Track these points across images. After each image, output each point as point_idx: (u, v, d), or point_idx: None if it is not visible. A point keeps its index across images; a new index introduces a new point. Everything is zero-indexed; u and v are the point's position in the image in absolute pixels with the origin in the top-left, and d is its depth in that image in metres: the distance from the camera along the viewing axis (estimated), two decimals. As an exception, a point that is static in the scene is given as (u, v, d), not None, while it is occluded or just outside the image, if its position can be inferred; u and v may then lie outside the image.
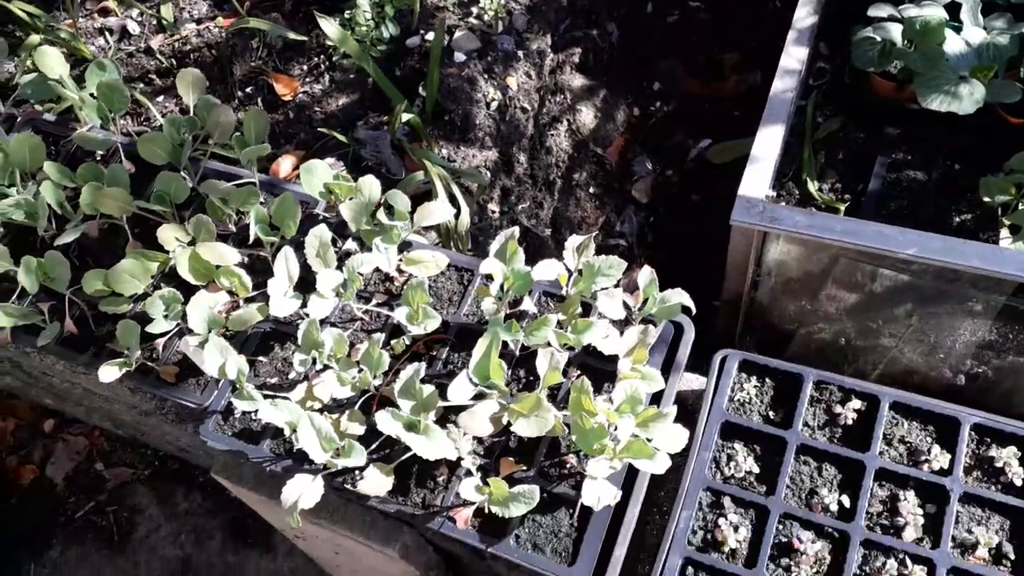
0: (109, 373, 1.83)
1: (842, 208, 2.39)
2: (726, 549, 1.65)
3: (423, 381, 1.64)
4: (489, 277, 1.80)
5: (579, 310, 1.78)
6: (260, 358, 1.96)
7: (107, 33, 2.62)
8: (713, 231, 3.15)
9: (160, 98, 2.56)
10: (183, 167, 2.05)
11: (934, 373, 2.40)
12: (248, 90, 2.54)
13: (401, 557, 1.90)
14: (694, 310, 1.73)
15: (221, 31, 2.59)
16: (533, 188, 2.83)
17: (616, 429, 1.60)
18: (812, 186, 2.44)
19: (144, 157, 2.03)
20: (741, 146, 3.20)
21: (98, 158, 2.24)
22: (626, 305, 1.77)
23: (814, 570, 1.61)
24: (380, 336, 1.73)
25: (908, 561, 1.58)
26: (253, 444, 1.86)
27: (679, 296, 1.71)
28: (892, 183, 2.40)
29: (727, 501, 1.70)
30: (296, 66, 2.54)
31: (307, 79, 2.52)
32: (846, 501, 1.65)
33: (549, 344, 1.72)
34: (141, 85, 2.56)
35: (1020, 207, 2.18)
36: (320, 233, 1.81)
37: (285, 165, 2.39)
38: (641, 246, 3.21)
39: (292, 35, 2.44)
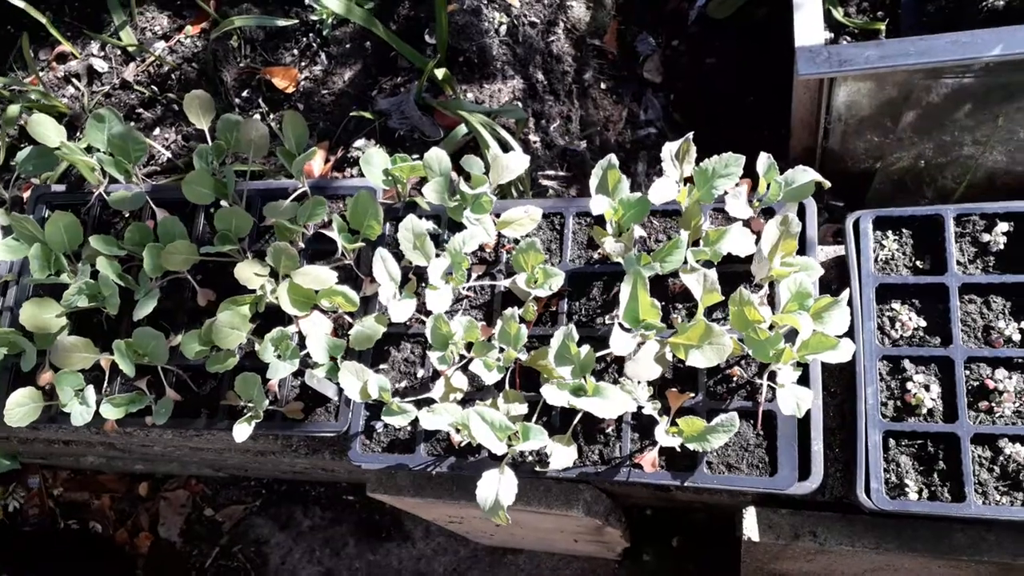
0: (242, 432, 1.73)
1: (882, 27, 2.28)
2: (922, 411, 1.61)
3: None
4: (598, 217, 1.69)
5: (701, 220, 1.68)
6: (381, 367, 1.86)
7: (74, 79, 2.40)
8: (741, 92, 3.03)
9: (156, 131, 2.36)
10: (231, 199, 1.90)
11: (1021, 168, 2.34)
12: (245, 94, 2.34)
13: (585, 514, 1.87)
14: (827, 184, 1.64)
15: (194, 40, 2.38)
16: (557, 103, 2.68)
17: (782, 328, 1.54)
18: (838, 13, 2.31)
19: (191, 199, 1.88)
20: (740, -6, 3.04)
21: (127, 216, 2.08)
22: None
23: (1016, 404, 1.58)
24: (513, 310, 1.64)
25: (1109, 366, 1.55)
26: (408, 453, 1.79)
27: (807, 175, 1.61)
28: (922, -15, 2.27)
29: (907, 363, 1.65)
30: (286, 54, 2.34)
31: (303, 64, 2.33)
32: (1027, 327, 1.61)
33: (686, 263, 1.63)
34: (131, 123, 2.36)
35: (1080, -29, 2.06)
36: (412, 225, 1.68)
37: (316, 162, 2.23)
38: (671, 129, 3.08)
39: (281, 22, 2.22)
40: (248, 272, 1.76)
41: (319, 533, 3.06)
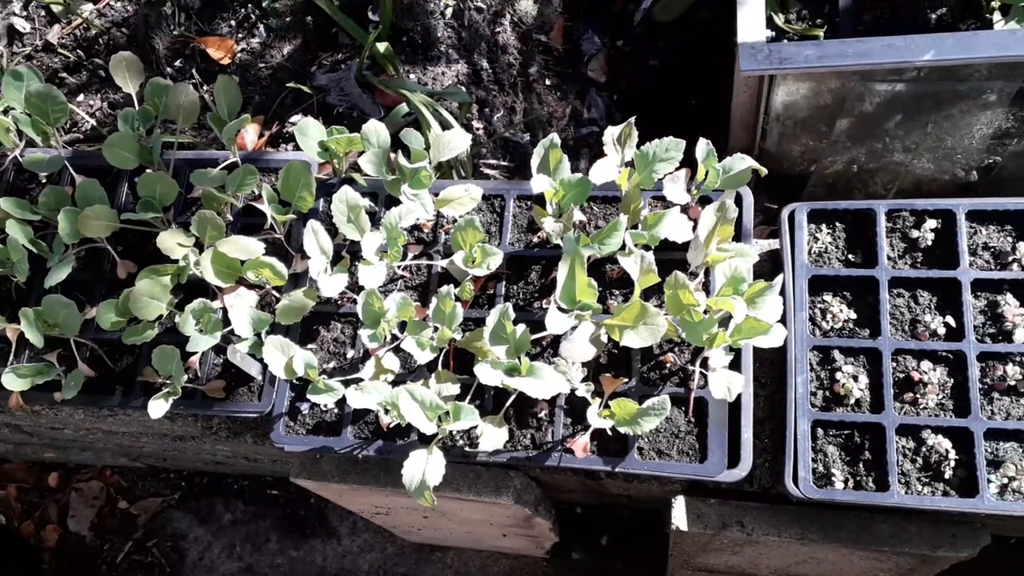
0: (158, 408, 1.65)
1: (820, 34, 2.33)
2: (850, 401, 1.63)
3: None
4: (538, 198, 1.67)
5: (641, 204, 1.67)
6: (309, 346, 1.80)
7: (-8, 39, 2.27)
8: (683, 94, 3.06)
9: (80, 97, 2.25)
10: (156, 165, 1.81)
11: (947, 177, 2.41)
12: (178, 64, 2.25)
13: (515, 502, 1.84)
14: (764, 171, 1.65)
15: (125, 4, 2.27)
16: (501, 93, 2.66)
17: (716, 313, 1.54)
18: (779, 19, 2.36)
19: (112, 162, 1.78)
20: (685, -2, 3.08)
21: (44, 180, 1.97)
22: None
23: (940, 396, 1.61)
24: (449, 288, 1.60)
25: (1027, 361, 1.59)
26: (334, 435, 1.73)
27: (744, 162, 1.62)
28: (859, -6, 2.33)
29: (836, 354, 1.67)
30: (223, 24, 2.26)
31: (240, 35, 2.25)
32: (951, 321, 1.64)
33: (624, 247, 1.62)
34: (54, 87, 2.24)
35: (1008, -13, 2.14)
36: (346, 196, 1.63)
37: (250, 135, 2.16)
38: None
39: (217, -12, 2.15)
40: (171, 241, 1.68)
41: (240, 528, 2.95)
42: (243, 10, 2.26)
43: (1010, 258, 1.67)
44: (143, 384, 1.78)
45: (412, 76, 2.20)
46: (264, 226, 1.80)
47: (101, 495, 3.05)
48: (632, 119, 1.65)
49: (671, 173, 1.61)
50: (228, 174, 1.77)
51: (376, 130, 1.71)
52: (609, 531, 2.77)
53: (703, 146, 1.63)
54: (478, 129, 2.38)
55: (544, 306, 1.76)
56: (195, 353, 1.69)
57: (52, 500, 3.04)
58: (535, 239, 1.83)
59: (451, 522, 2.28)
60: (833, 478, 1.60)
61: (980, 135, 2.23)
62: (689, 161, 1.66)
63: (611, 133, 1.67)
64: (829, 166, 2.43)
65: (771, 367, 1.79)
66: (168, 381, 1.68)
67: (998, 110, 2.15)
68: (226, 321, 1.68)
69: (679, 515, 1.76)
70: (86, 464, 3.00)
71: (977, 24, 2.21)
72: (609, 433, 1.61)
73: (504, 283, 1.79)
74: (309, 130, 1.74)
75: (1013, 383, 1.58)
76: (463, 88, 2.27)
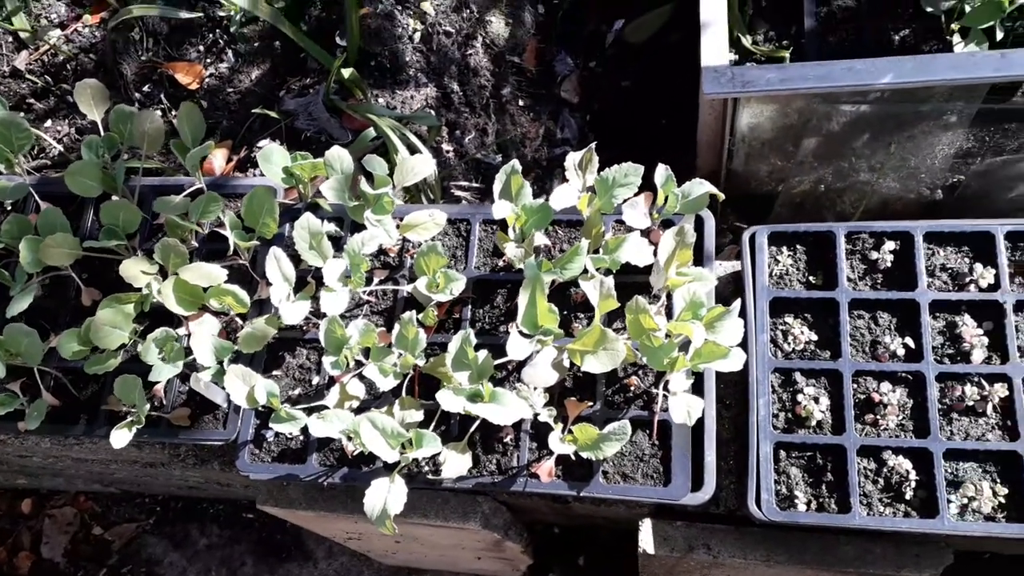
0: (121, 438, 1.64)
1: (786, 55, 2.35)
2: (812, 423, 1.64)
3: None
4: (501, 223, 1.68)
5: (602, 228, 1.68)
6: (274, 373, 1.80)
7: (-42, 65, 2.27)
8: (654, 114, 3.08)
9: (48, 123, 2.25)
10: (121, 192, 1.81)
11: (912, 195, 2.44)
12: (146, 89, 2.25)
13: (483, 527, 1.83)
14: (722, 196, 1.66)
15: (92, 30, 2.28)
16: (473, 115, 2.67)
17: (677, 338, 1.55)
18: (746, 41, 2.39)
19: (76, 191, 1.78)
20: (656, 19, 3.11)
21: (8, 208, 1.97)
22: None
23: (900, 417, 1.62)
24: (411, 314, 1.60)
25: (984, 382, 1.61)
26: (299, 463, 1.73)
27: (702, 187, 1.64)
28: (826, 17, 2.37)
29: (798, 376, 1.68)
30: (191, 49, 2.27)
31: (208, 60, 2.26)
32: (910, 342, 1.66)
33: (586, 272, 1.63)
34: (21, 114, 2.24)
35: (967, 9, 2.17)
36: (307, 223, 1.63)
37: (218, 160, 2.16)
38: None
39: (185, 14, 2.15)
40: (135, 269, 1.68)
41: (216, 552, 2.93)
42: (211, 35, 2.27)
43: (967, 279, 1.69)
44: (107, 413, 1.77)
45: (381, 100, 2.21)
46: (229, 252, 1.80)
47: (75, 521, 3.02)
48: (592, 144, 1.66)
49: (631, 198, 1.62)
50: (192, 201, 1.77)
51: (339, 157, 1.71)
52: (587, 551, 2.76)
53: (662, 171, 1.64)
54: (448, 151, 2.39)
55: (509, 329, 1.76)
56: (159, 381, 1.69)
57: (25, 527, 3.01)
58: (501, 263, 1.84)
59: (423, 546, 2.27)
60: (796, 500, 1.61)
61: (943, 155, 2.26)
62: (652, 184, 1.67)
63: (572, 159, 1.68)
64: (796, 186, 2.45)
65: (735, 388, 1.80)
66: (132, 410, 1.67)
67: (959, 131, 2.18)
68: (190, 349, 1.68)
69: (646, 538, 1.76)
70: (59, 490, 2.98)
71: (939, 45, 2.24)
72: (573, 458, 1.61)
73: (470, 307, 1.79)
74: (273, 156, 1.75)
75: (971, 403, 1.60)
76: (432, 111, 2.28)
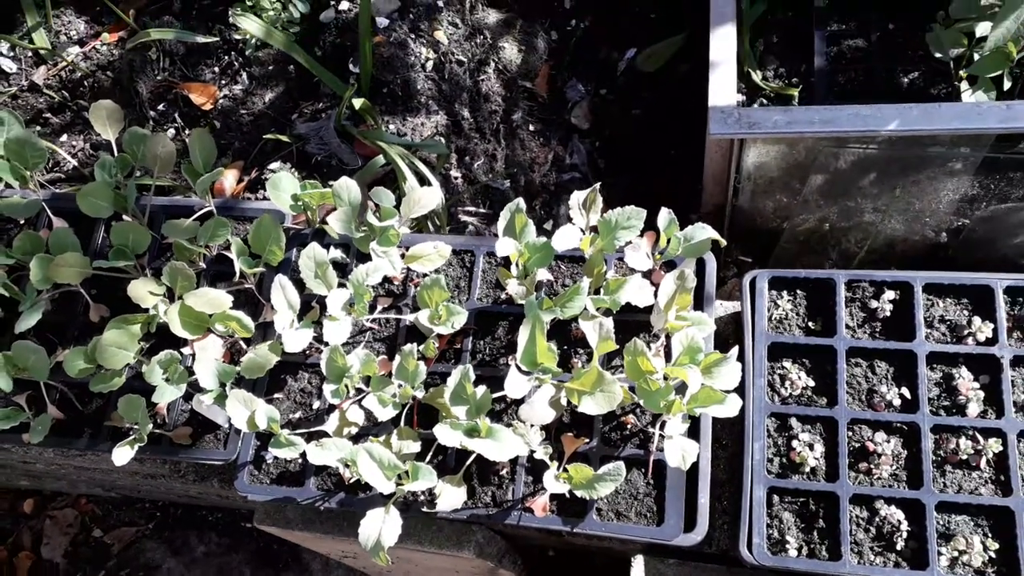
0: (123, 455, 1.67)
1: (795, 93, 2.37)
2: (806, 469, 1.66)
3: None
4: (505, 259, 1.70)
5: (604, 268, 1.70)
6: (276, 395, 1.82)
7: (-22, 79, 2.31)
8: (664, 143, 3.10)
9: (63, 137, 2.29)
10: (131, 213, 1.84)
11: (917, 237, 2.45)
12: (161, 108, 2.29)
13: (477, 556, 1.85)
14: (724, 242, 1.68)
15: (111, 48, 2.32)
16: (482, 141, 2.70)
17: (674, 380, 1.56)
18: (756, 76, 2.41)
19: (87, 212, 1.81)
20: (668, 48, 3.13)
21: (21, 224, 2.00)
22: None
23: (893, 467, 1.63)
24: (412, 347, 1.62)
25: (979, 436, 1.62)
26: (297, 486, 1.75)
27: (704, 232, 1.65)
28: (836, 57, 2.39)
29: (794, 421, 1.69)
30: (206, 70, 2.30)
31: (223, 82, 2.29)
32: (906, 392, 1.67)
33: (586, 310, 1.64)
34: (37, 128, 2.28)
35: (975, 56, 2.19)
36: (314, 253, 1.66)
37: (228, 181, 2.19)
38: (595, 174, 3.13)
39: (202, 38, 2.19)
40: (142, 290, 1.71)
41: (213, 560, 2.95)
42: (227, 57, 2.31)
43: (965, 332, 1.70)
44: (110, 429, 1.80)
45: (391, 126, 2.24)
46: (236, 276, 1.83)
47: (76, 523, 3.05)
48: (597, 185, 1.68)
49: (632, 241, 1.64)
50: (201, 225, 1.80)
51: (347, 187, 1.74)
52: (580, 576, 2.78)
53: (664, 215, 1.66)
54: (456, 177, 2.42)
55: (510, 362, 1.78)
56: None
57: (26, 526, 3.04)
58: (503, 295, 1.86)
59: (418, 567, 2.29)
60: (787, 545, 1.62)
61: (948, 200, 2.27)
62: (655, 222, 1.69)
63: (577, 198, 1.70)
64: (802, 223, 2.46)
65: (732, 428, 1.81)
66: (135, 427, 1.70)
67: (964, 177, 2.19)
68: (193, 370, 1.70)
69: (637, 575, 1.77)
70: (61, 492, 3.01)
71: (947, 89, 2.25)
72: (568, 495, 1.63)
73: (471, 338, 1.82)
74: (282, 183, 1.77)
75: (965, 457, 1.61)
76: (442, 139, 2.31)
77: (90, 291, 1.88)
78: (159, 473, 2.13)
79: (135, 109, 2.27)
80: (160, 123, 2.28)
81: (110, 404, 1.83)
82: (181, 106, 2.28)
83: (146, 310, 1.73)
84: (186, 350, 1.79)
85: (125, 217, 1.86)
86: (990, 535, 1.57)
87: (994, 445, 1.59)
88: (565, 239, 1.63)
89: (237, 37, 2.29)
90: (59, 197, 2.01)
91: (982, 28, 2.12)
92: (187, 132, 2.26)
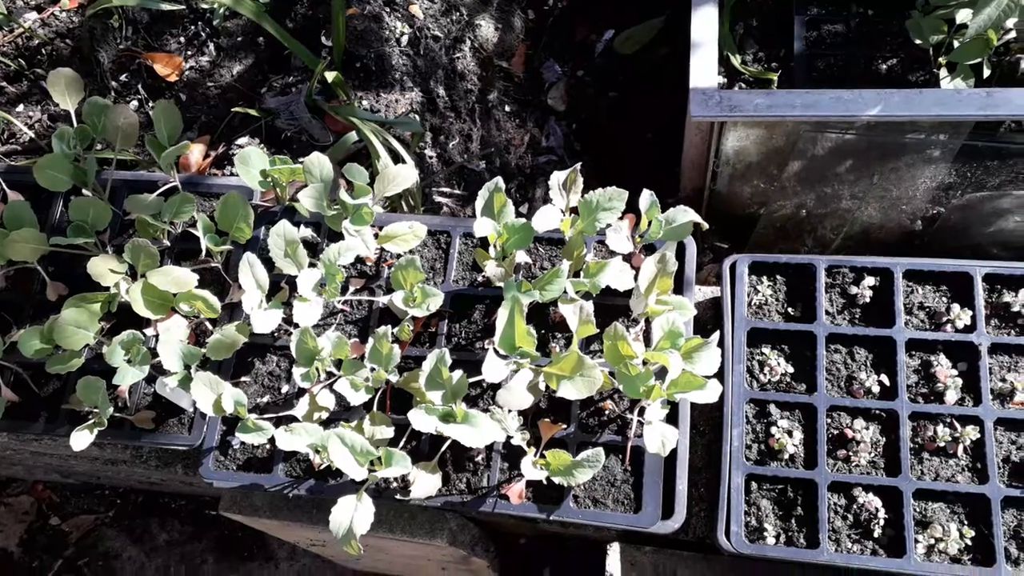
0: (81, 440, 1.60)
1: (774, 78, 2.35)
2: (784, 456, 1.64)
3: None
4: (482, 240, 1.65)
5: (584, 251, 1.66)
6: (243, 378, 1.76)
7: (-71, 43, 2.19)
8: (641, 127, 3.07)
9: (19, 108, 2.18)
10: (91, 187, 1.76)
11: (893, 225, 2.45)
12: (123, 78, 2.19)
13: (449, 544, 1.81)
14: (705, 225, 1.65)
15: (70, 15, 2.21)
16: (458, 121, 2.64)
17: (654, 366, 1.53)
18: (735, 60, 2.38)
19: (44, 185, 1.73)
20: (646, 31, 3.09)
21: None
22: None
23: (871, 454, 1.62)
24: (386, 329, 1.57)
25: (956, 424, 1.61)
26: (265, 472, 1.69)
27: (686, 215, 1.62)
28: (815, 42, 2.37)
29: (772, 408, 1.68)
30: (172, 40, 2.21)
31: (189, 52, 2.20)
32: (885, 380, 1.66)
33: (566, 293, 1.61)
34: (-8, 97, 2.17)
35: (955, 43, 2.18)
36: (284, 231, 1.60)
37: (194, 156, 2.11)
38: (571, 157, 3.09)
39: (166, 6, 2.09)
40: (103, 268, 1.63)
41: (176, 549, 2.88)
42: (193, 27, 2.22)
43: (944, 319, 1.69)
44: (69, 412, 1.73)
45: (365, 102, 2.18)
46: (202, 253, 1.76)
47: (32, 510, 2.96)
48: (577, 166, 1.64)
49: (613, 223, 1.60)
50: (165, 200, 1.73)
51: (319, 163, 1.68)
52: (553, 564, 2.75)
53: (646, 197, 1.63)
54: (431, 157, 2.36)
55: (486, 346, 1.74)
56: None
57: (-22, 515, 2.94)
58: (480, 278, 1.81)
59: (389, 555, 2.24)
60: (765, 533, 1.60)
61: (924, 187, 2.27)
62: (637, 206, 1.65)
63: (557, 178, 1.66)
64: (779, 210, 2.45)
65: (711, 415, 1.79)
66: (94, 411, 1.63)
67: (942, 165, 2.19)
68: (156, 351, 1.64)
69: (613, 563, 1.75)
70: (16, 478, 2.91)
71: (926, 76, 2.25)
72: (544, 482, 1.59)
73: (447, 321, 1.77)
74: (251, 159, 1.70)
75: (943, 444, 1.60)
76: (416, 116, 2.24)
77: (47, 268, 1.79)
78: (120, 459, 2.06)
79: (96, 79, 2.17)
80: (122, 94, 2.19)
81: (68, 386, 1.75)
82: (145, 77, 2.19)
83: (107, 289, 1.66)
84: (149, 331, 1.71)
85: (85, 192, 1.78)
86: (966, 522, 1.56)
87: (971, 432, 1.59)
88: (545, 220, 1.59)
89: (204, 6, 2.20)
90: (15, 170, 1.92)
91: (962, 15, 2.11)
92: (151, 104, 2.17)
